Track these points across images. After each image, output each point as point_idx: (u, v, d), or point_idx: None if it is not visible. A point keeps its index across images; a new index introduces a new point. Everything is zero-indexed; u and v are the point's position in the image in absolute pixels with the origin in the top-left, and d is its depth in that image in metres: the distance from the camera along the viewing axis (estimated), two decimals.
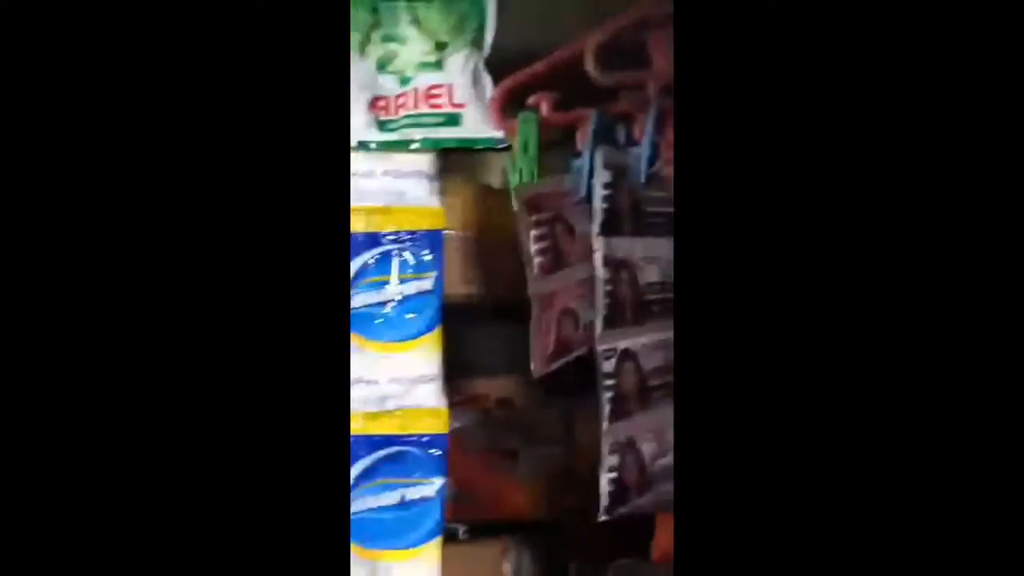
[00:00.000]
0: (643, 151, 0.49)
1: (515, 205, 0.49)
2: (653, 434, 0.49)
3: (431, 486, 0.57)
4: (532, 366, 0.49)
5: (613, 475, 0.47)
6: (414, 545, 0.56)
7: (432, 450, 0.57)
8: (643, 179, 0.50)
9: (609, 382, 0.46)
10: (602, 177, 0.47)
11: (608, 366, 0.46)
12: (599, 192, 0.47)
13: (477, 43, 0.59)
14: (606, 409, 0.46)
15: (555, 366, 0.50)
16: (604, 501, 0.47)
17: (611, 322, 0.47)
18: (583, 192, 0.49)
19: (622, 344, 0.47)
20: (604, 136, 0.50)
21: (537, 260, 0.49)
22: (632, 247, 0.49)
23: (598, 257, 0.47)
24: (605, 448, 0.47)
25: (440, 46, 0.58)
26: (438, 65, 0.58)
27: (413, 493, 0.56)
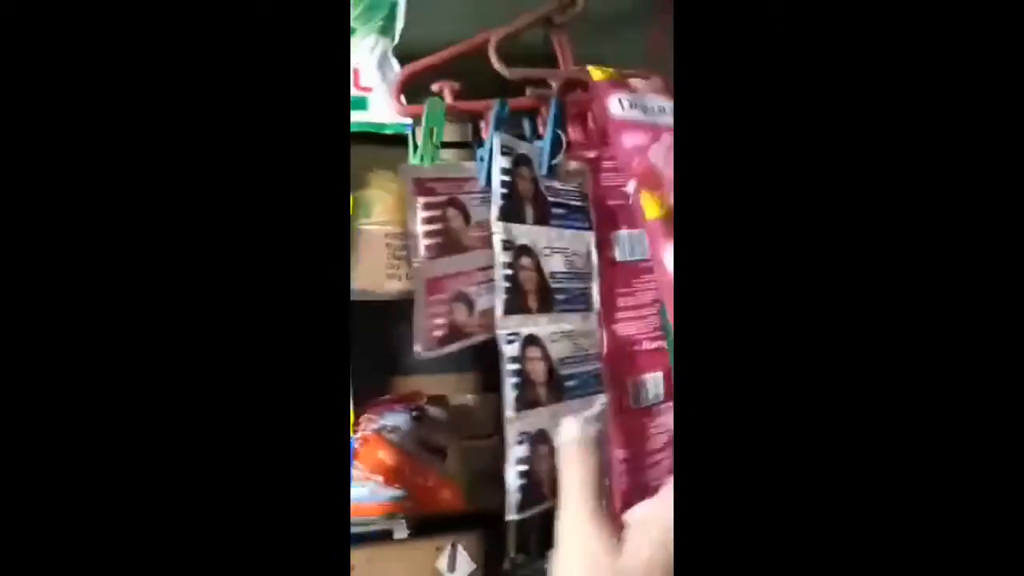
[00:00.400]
0: (544, 144, 0.50)
1: (405, 186, 0.48)
2: (561, 431, 0.48)
3: None
4: (416, 347, 0.48)
5: (523, 467, 0.45)
6: None
7: None
8: (544, 171, 0.50)
9: (513, 367, 0.45)
10: (501, 162, 0.47)
11: (511, 350, 0.45)
12: (497, 176, 0.46)
13: (385, 31, 0.58)
14: (511, 396, 0.44)
15: (447, 350, 0.49)
16: (514, 498, 0.45)
17: (512, 307, 0.46)
18: (483, 179, 0.48)
19: (525, 330, 0.47)
20: (506, 125, 0.49)
21: (425, 242, 0.48)
22: (535, 235, 0.48)
23: (497, 240, 0.46)
24: (512, 438, 0.45)
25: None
26: None
27: None
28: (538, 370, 0.46)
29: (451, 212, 0.49)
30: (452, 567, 0.79)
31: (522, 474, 0.45)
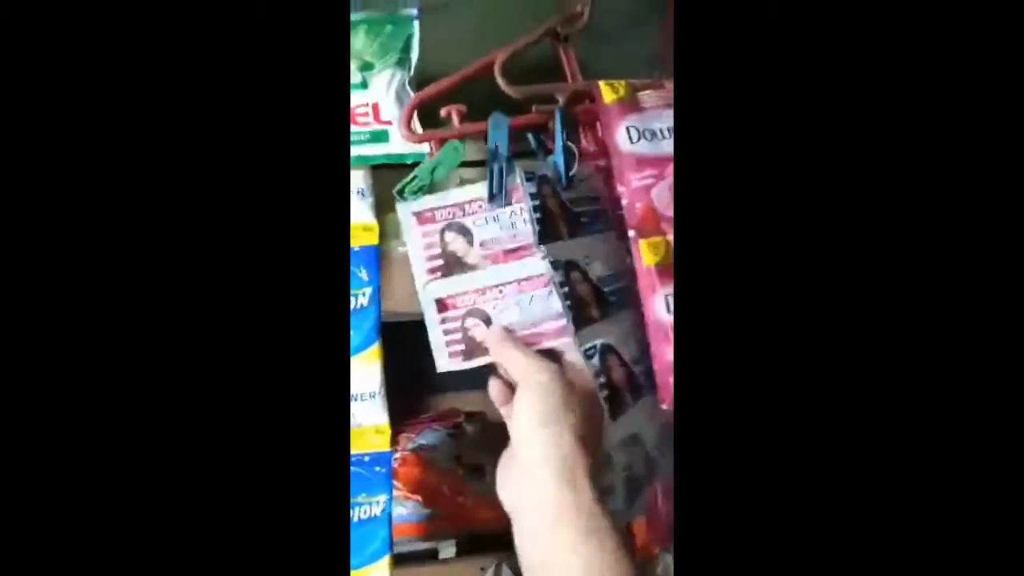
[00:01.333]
0: (557, 158, 0.51)
1: (401, 213, 0.50)
2: (651, 426, 0.50)
3: (377, 504, 0.56)
4: (438, 363, 0.50)
5: (626, 474, 0.49)
6: (363, 565, 0.56)
7: (377, 467, 0.56)
8: (564, 184, 0.51)
9: (600, 380, 0.47)
10: (528, 188, 0.49)
11: (593, 364, 0.47)
12: (528, 203, 0.49)
13: (402, 63, 0.60)
14: (605, 408, 0.47)
15: (468, 364, 0.50)
16: (622, 500, 0.48)
17: (581, 321, 0.48)
18: (490, 195, 0.50)
19: (600, 340, 0.48)
20: (513, 142, 0.51)
21: (427, 265, 0.50)
22: (573, 249, 0.49)
23: (545, 264, 0.47)
24: (614, 444, 0.48)
25: (366, 66, 0.59)
26: (363, 85, 0.59)
27: (360, 513, 0.56)
28: (620, 376, 0.48)
29: (449, 235, 0.50)
30: None
31: (628, 480, 0.49)
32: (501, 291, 0.49)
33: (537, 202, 0.49)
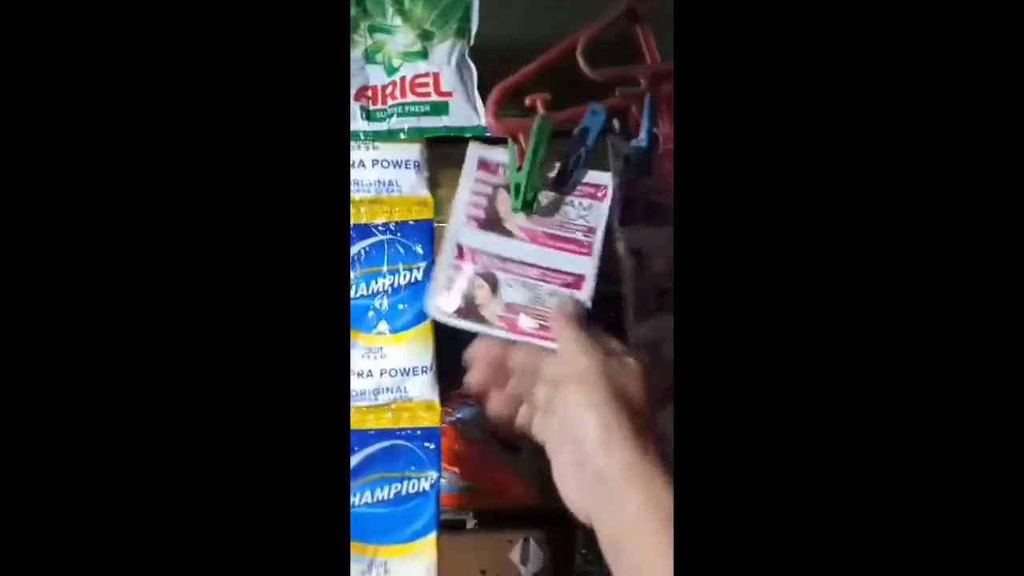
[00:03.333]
0: (642, 143, 0.50)
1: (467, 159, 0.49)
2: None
3: (426, 480, 0.56)
4: (428, 306, 0.49)
5: None
6: (411, 539, 0.56)
7: (427, 443, 0.56)
8: (646, 170, 0.50)
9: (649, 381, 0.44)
10: (616, 166, 0.47)
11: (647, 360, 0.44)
12: (614, 179, 0.47)
13: (462, 32, 0.58)
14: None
15: (455, 324, 0.48)
16: None
17: (641, 315, 0.47)
18: (562, 180, 0.48)
19: (652, 337, 0.48)
20: (604, 128, 0.49)
21: (467, 211, 0.49)
22: (647, 237, 0.48)
23: (622, 247, 0.46)
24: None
25: (426, 35, 0.58)
26: (423, 54, 0.58)
27: (408, 487, 0.56)
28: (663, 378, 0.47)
29: (501, 195, 0.49)
30: (524, 560, 0.80)
31: None
32: (523, 268, 0.47)
33: (623, 180, 0.47)
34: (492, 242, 0.48)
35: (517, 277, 0.47)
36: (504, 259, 0.47)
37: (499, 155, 0.49)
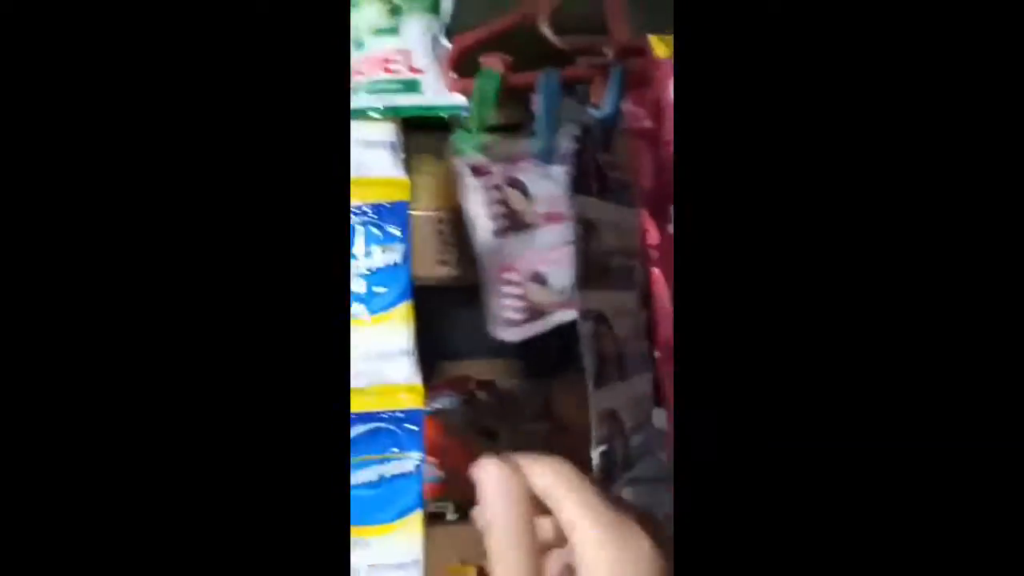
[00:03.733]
0: (604, 115, 0.49)
1: (458, 167, 0.48)
2: (631, 408, 0.48)
3: (409, 461, 0.55)
4: (496, 332, 0.49)
5: (603, 448, 0.46)
6: (392, 520, 0.55)
7: (408, 425, 0.56)
8: (604, 143, 0.49)
9: (591, 345, 0.45)
10: (571, 130, 0.47)
11: (587, 328, 0.45)
12: (568, 146, 0.46)
13: (434, 8, 0.57)
14: (591, 374, 0.45)
15: (530, 331, 0.49)
16: (596, 478, 0.45)
17: (584, 283, 0.46)
18: (540, 153, 0.48)
19: (595, 307, 0.46)
20: (562, 94, 0.49)
21: (490, 223, 0.48)
22: (599, 209, 0.48)
23: (571, 214, 0.45)
24: (593, 418, 0.45)
25: (395, 10, 0.57)
26: (394, 31, 0.57)
27: (391, 469, 0.55)
28: (609, 348, 0.47)
29: (511, 192, 0.48)
30: None
31: (602, 455, 0.45)
32: (556, 252, 0.47)
33: (578, 147, 0.47)
34: (522, 243, 0.48)
35: (555, 262, 0.47)
36: (538, 250, 0.48)
37: (484, 153, 0.49)
